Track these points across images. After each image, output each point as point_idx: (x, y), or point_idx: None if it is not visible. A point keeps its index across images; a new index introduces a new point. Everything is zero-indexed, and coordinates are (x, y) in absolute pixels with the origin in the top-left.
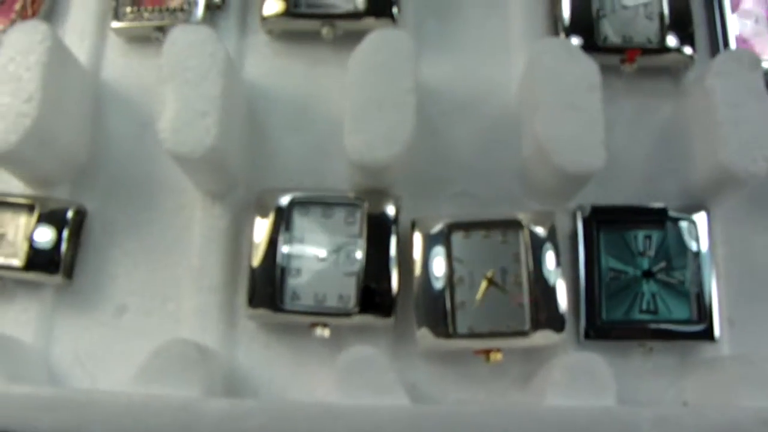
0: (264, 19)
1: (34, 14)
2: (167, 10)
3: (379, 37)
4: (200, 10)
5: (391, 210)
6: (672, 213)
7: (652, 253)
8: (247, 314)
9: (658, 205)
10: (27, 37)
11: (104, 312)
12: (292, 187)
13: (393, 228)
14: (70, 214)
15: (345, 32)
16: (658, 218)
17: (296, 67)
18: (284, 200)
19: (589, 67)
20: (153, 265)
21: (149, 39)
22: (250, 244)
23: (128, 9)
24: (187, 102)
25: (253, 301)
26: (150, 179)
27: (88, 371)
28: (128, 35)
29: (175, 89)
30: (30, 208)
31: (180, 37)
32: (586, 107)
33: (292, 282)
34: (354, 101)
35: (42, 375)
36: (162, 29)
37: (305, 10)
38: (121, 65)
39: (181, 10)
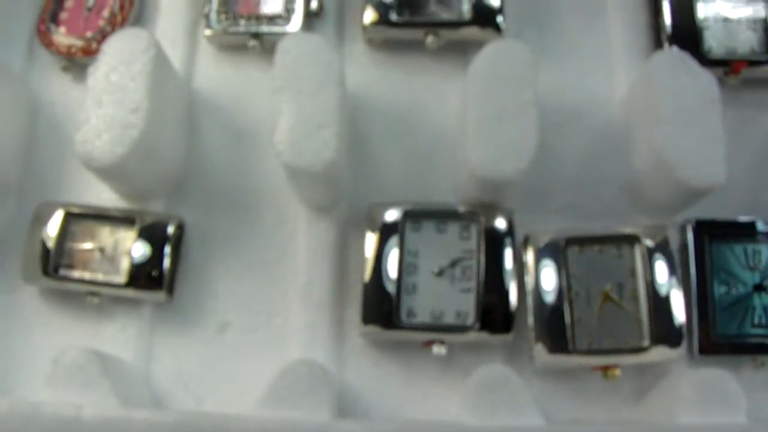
0: (364, 27)
1: (123, 21)
2: (264, 17)
3: (498, 49)
4: (299, 17)
5: (503, 224)
6: None
7: (762, 266)
8: (360, 331)
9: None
10: (130, 45)
11: (206, 329)
12: (400, 200)
13: (508, 242)
14: (171, 229)
15: (447, 42)
16: (764, 232)
17: (396, 77)
18: (395, 214)
19: (707, 80)
20: (256, 281)
21: (242, 47)
22: (359, 258)
23: (222, 16)
24: (303, 113)
25: (367, 317)
26: (247, 192)
27: (191, 391)
28: (221, 43)
29: (290, 100)
30: (130, 222)
31: (293, 46)
32: (706, 121)
33: (408, 298)
34: (476, 114)
35: (146, 396)
36: (258, 37)
37: (407, 18)
38: (214, 74)
39: (279, 17)
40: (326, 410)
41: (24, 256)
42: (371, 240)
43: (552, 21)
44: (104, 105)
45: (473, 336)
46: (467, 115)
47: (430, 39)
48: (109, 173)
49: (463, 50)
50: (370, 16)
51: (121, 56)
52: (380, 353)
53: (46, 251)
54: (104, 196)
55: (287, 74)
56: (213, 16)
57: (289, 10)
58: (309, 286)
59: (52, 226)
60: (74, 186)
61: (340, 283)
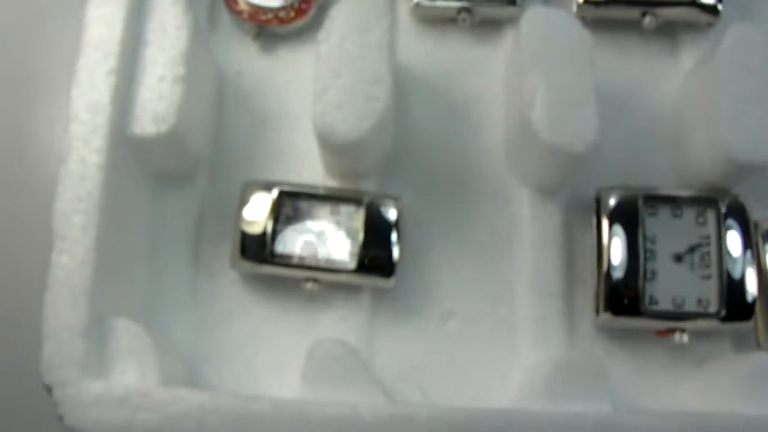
0: (579, 5)
1: None
2: None
3: (741, 33)
4: None
5: (737, 209)
6: None
7: None
8: (597, 320)
9: None
10: (363, 12)
11: (429, 319)
12: (629, 185)
13: (744, 227)
14: (396, 211)
15: (662, 22)
16: None
17: (608, 57)
18: (628, 199)
19: None
20: (479, 267)
21: (447, 20)
22: (584, 244)
23: None
24: (560, 90)
25: (608, 306)
26: (464, 173)
27: (417, 384)
28: (426, 15)
29: (543, 76)
30: (355, 202)
31: (541, 21)
32: None
33: (648, 285)
34: (729, 97)
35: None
36: (468, 10)
37: None
38: (417, 48)
39: None
40: (607, 404)
41: (233, 240)
42: (603, 225)
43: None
44: (342, 75)
45: (714, 324)
46: (716, 98)
47: (648, 19)
48: (347, 149)
49: (672, 31)
50: None
51: (354, 23)
52: (611, 342)
53: (260, 234)
54: (305, 175)
55: (537, 50)
56: None
57: None
58: (537, 273)
59: (263, 207)
60: (266, 163)
61: (569, 270)
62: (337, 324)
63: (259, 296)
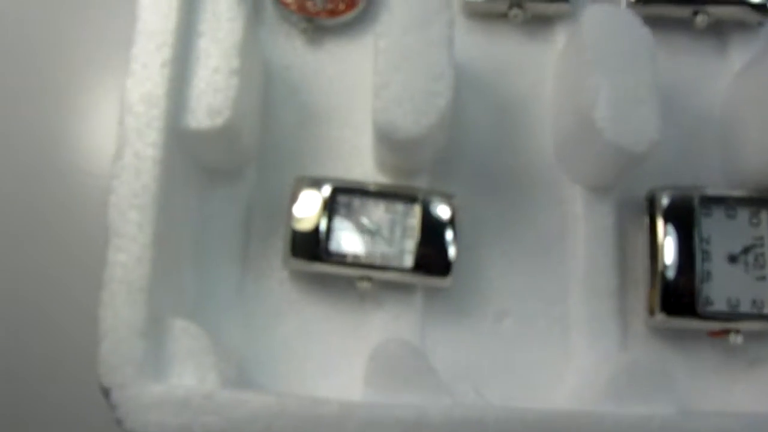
0: (629, 2)
1: None
2: None
3: None
4: None
5: None
6: None
7: None
8: (652, 321)
9: None
10: (422, 6)
11: (483, 318)
12: (681, 185)
13: None
14: (451, 209)
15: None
16: None
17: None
18: (682, 199)
19: None
20: (532, 266)
21: (498, 16)
22: (635, 243)
23: None
24: (622, 89)
25: (664, 306)
26: (516, 171)
27: (473, 385)
28: (477, 11)
29: (605, 75)
30: (411, 199)
31: (602, 18)
32: None
33: (704, 287)
34: None
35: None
36: (521, 6)
37: None
38: (468, 44)
39: None
40: (672, 405)
41: (285, 238)
42: (657, 225)
43: None
44: (403, 70)
45: None
46: None
47: (700, 18)
48: (408, 145)
49: (721, 31)
50: None
51: (415, 18)
52: (664, 343)
53: (313, 232)
54: (355, 171)
55: (599, 48)
56: None
57: None
58: (590, 272)
59: (315, 204)
60: (315, 158)
61: (623, 270)
62: (390, 324)
63: (309, 296)
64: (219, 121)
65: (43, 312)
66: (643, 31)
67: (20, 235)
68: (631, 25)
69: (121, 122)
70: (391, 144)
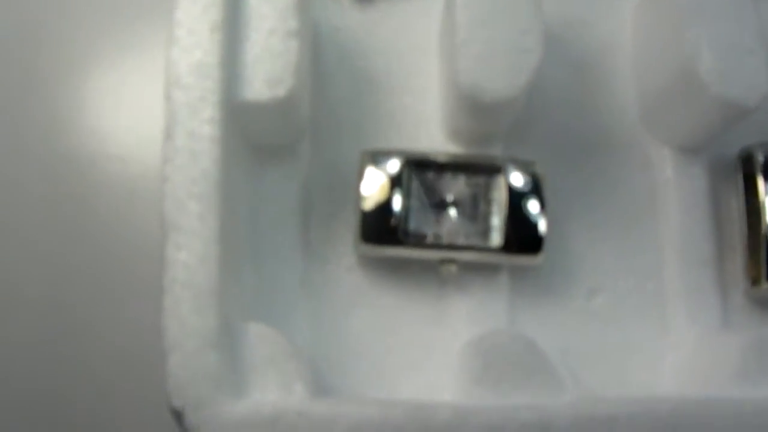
0: None
1: None
2: None
3: None
4: None
5: None
6: None
7: None
8: (756, 291)
9: None
10: None
11: (574, 297)
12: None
13: None
14: (536, 179)
15: None
16: None
17: None
18: None
19: None
20: (622, 238)
21: None
22: (728, 207)
23: None
24: (728, 39)
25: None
26: (596, 133)
27: (568, 368)
28: None
29: (706, 24)
30: (494, 171)
31: None
32: None
33: None
34: None
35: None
36: None
37: None
38: None
39: None
40: None
41: (356, 221)
42: (758, 184)
43: None
44: (488, 25)
45: None
46: None
47: None
48: (498, 109)
49: None
50: None
51: None
52: (764, 313)
53: (387, 212)
54: (422, 140)
55: None
56: None
57: None
58: (686, 241)
59: (386, 181)
60: (375, 128)
61: (719, 237)
62: (476, 310)
63: (382, 283)
64: (281, 91)
65: (84, 322)
66: None
67: (45, 237)
68: None
69: (168, 97)
70: (477, 108)
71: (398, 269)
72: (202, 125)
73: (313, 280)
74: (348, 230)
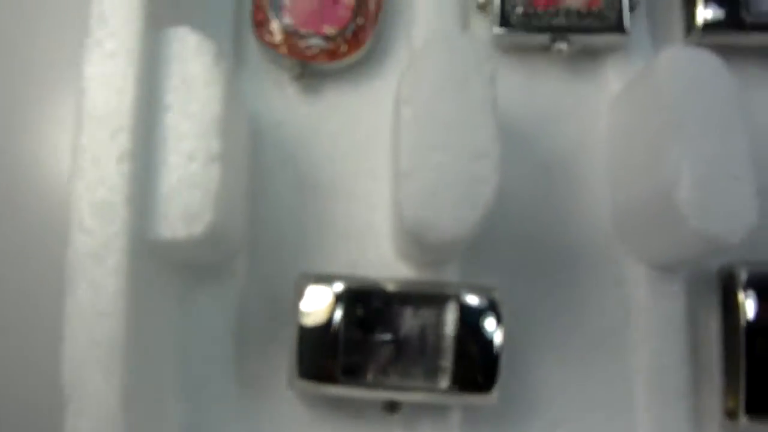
0: (695, 28)
1: (377, 11)
2: (573, 11)
3: None
4: (624, 15)
5: None
6: None
7: None
8: (735, 426)
9: None
10: (457, 61)
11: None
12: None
13: None
14: (496, 309)
15: None
16: None
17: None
18: (761, 274)
19: None
20: (591, 366)
21: (535, 50)
22: (704, 330)
23: (518, 9)
24: (713, 161)
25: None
26: (564, 245)
27: None
28: (511, 44)
29: (689, 144)
30: (443, 300)
31: (685, 66)
32: None
33: None
34: None
35: None
36: (566, 39)
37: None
38: (506, 85)
39: (594, 13)
40: None
41: (290, 354)
42: (738, 305)
43: None
44: (437, 149)
45: None
46: None
47: None
48: (447, 245)
49: None
50: (708, 14)
51: (448, 76)
52: None
53: (323, 346)
54: (369, 254)
55: (682, 106)
56: (501, 10)
57: (610, 1)
58: (660, 372)
59: (324, 311)
60: (319, 239)
61: (694, 365)
62: None
63: (325, 417)
64: (199, 227)
65: None
66: (734, 84)
67: None
68: (719, 75)
69: (70, 242)
70: (423, 244)
71: (342, 404)
72: (106, 277)
73: (249, 412)
74: (286, 355)
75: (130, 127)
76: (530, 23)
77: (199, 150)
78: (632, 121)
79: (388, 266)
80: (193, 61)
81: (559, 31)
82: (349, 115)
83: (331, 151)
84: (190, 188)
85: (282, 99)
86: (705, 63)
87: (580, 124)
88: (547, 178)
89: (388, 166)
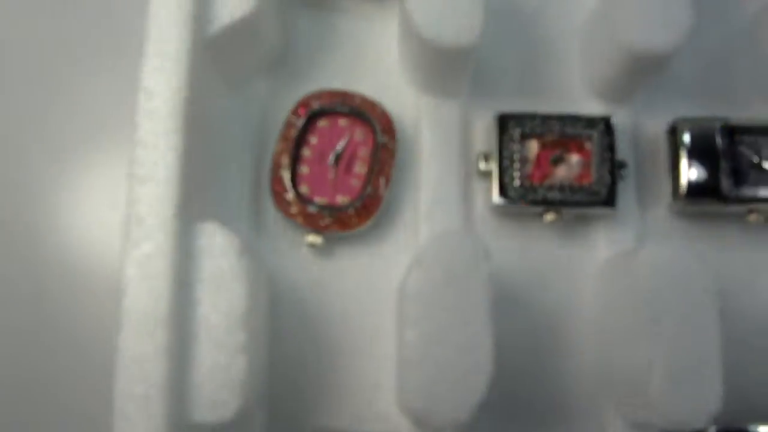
0: (678, 196)
1: (387, 181)
2: (566, 186)
3: None
4: (614, 190)
5: None
6: None
7: None
8: None
9: None
10: (456, 258)
11: None
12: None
13: None
14: None
15: None
16: None
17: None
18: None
19: None
20: None
21: (528, 218)
22: None
23: (517, 183)
24: (685, 363)
25: None
26: (550, 403)
27: None
28: (509, 213)
29: (663, 342)
30: None
31: (665, 269)
32: None
33: None
34: None
35: None
36: (558, 209)
37: (737, 192)
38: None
39: (587, 187)
40: None
41: None
42: None
43: None
44: (438, 344)
45: None
46: None
47: (753, 217)
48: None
49: None
50: (690, 186)
51: (447, 265)
52: None
53: None
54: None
55: (659, 306)
56: (500, 181)
57: (600, 177)
58: None
59: None
60: (332, 396)
61: None
62: None
63: None
64: (227, 414)
65: None
66: (708, 280)
67: None
68: (696, 275)
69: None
70: (423, 427)
71: None
72: None
73: None
74: None
75: (166, 323)
76: (526, 195)
77: (227, 343)
78: (614, 299)
79: (392, 421)
80: (220, 258)
81: (552, 204)
82: (360, 277)
83: (344, 311)
84: (218, 378)
85: (297, 260)
86: (687, 268)
87: (569, 287)
88: (536, 337)
89: (395, 327)
